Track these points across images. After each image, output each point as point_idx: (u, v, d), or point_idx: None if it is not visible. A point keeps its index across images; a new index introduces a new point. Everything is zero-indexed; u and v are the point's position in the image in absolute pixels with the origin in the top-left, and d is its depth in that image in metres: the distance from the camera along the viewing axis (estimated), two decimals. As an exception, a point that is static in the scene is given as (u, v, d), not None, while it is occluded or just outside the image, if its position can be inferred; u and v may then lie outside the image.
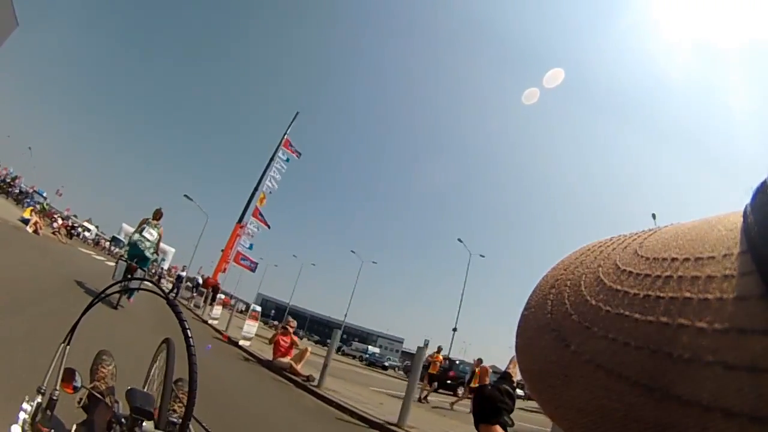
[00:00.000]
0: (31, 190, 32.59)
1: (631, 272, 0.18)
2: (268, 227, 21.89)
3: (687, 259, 0.17)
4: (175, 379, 0.85)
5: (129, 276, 6.21)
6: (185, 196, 27.05)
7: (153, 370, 1.01)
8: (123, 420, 0.70)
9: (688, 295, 0.15)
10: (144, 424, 0.69)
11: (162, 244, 8.03)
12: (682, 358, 0.14)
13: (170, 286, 35.16)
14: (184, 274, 22.02)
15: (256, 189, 21.61)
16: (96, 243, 41.81)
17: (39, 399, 0.72)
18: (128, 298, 6.72)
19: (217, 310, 12.94)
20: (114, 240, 52.59)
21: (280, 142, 22.16)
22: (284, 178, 22.26)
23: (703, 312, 0.14)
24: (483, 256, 36.47)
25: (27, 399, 0.71)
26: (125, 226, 56.41)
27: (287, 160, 22.25)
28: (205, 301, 15.26)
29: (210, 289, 15.97)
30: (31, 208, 18.94)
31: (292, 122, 23.00)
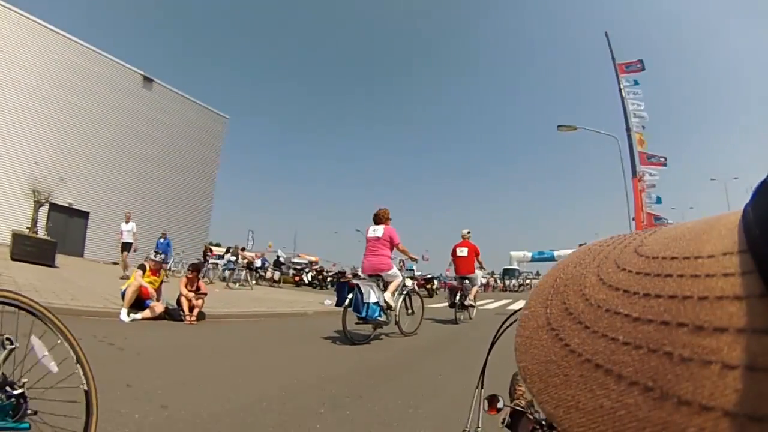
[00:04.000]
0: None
1: (630, 271, 0.18)
2: (664, 165, 17.24)
3: (687, 258, 0.16)
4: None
5: None
6: (560, 126, 16.11)
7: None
8: (543, 422, 0.80)
9: (687, 294, 0.15)
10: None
11: None
12: (681, 357, 0.14)
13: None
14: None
15: (628, 131, 17.68)
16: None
17: None
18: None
19: None
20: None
21: (616, 72, 18.16)
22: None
23: (703, 311, 0.14)
24: None
25: None
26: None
27: (635, 83, 17.91)
28: None
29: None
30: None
31: (610, 46, 18.94)
